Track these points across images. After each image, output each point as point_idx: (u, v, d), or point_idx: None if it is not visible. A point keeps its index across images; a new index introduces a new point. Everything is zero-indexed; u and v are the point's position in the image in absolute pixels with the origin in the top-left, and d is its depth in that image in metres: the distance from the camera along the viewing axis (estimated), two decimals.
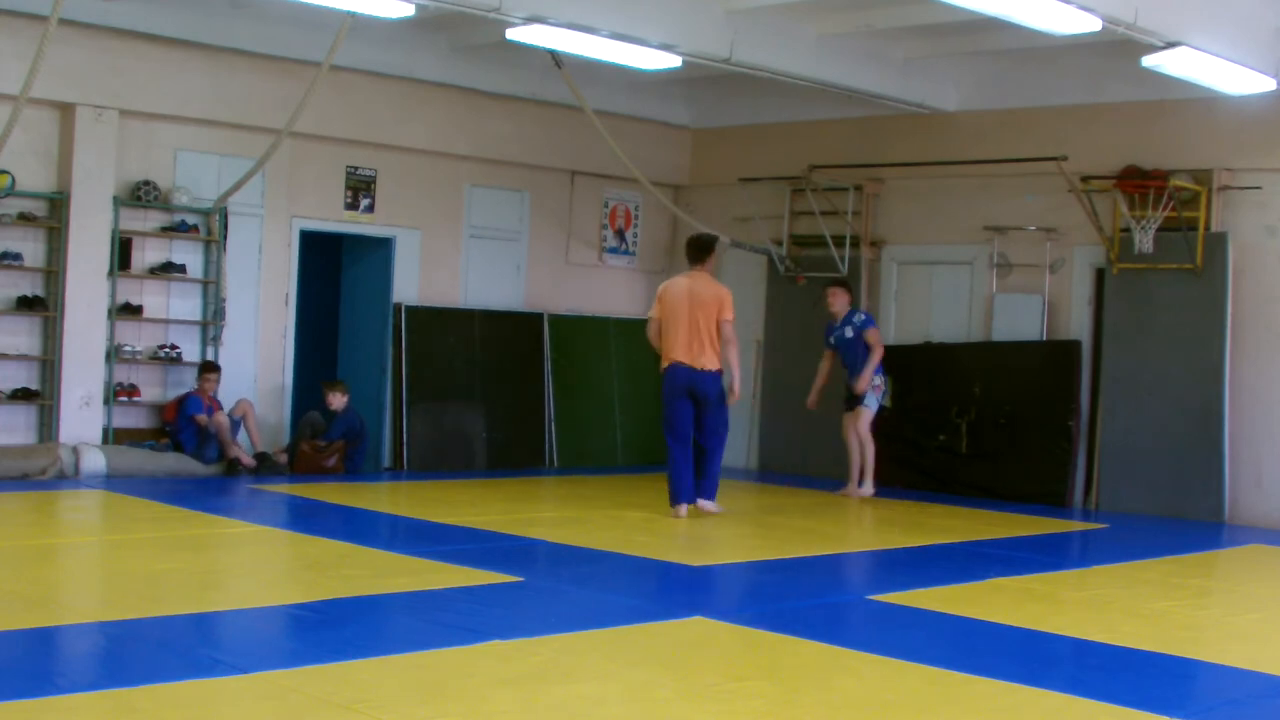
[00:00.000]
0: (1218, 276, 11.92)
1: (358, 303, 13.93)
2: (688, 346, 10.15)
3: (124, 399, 11.88)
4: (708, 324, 10.19)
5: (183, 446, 11.82)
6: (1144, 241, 12.04)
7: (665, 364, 10.30)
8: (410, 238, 13.62)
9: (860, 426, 12.23)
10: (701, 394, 10.24)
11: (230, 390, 12.22)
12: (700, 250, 10.52)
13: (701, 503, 10.50)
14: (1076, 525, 11.55)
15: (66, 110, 11.47)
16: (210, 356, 12.34)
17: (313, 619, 6.38)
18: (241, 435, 12.17)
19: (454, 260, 14.00)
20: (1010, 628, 6.96)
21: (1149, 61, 10.02)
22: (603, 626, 6.50)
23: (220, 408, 11.96)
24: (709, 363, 10.20)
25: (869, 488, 12.25)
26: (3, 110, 9.96)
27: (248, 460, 12.05)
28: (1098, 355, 12.66)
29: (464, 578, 7.53)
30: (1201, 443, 11.93)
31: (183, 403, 11.91)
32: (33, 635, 5.87)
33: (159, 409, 12.18)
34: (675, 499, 10.43)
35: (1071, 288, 12.93)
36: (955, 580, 8.33)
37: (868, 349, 12.14)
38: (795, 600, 7.59)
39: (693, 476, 10.40)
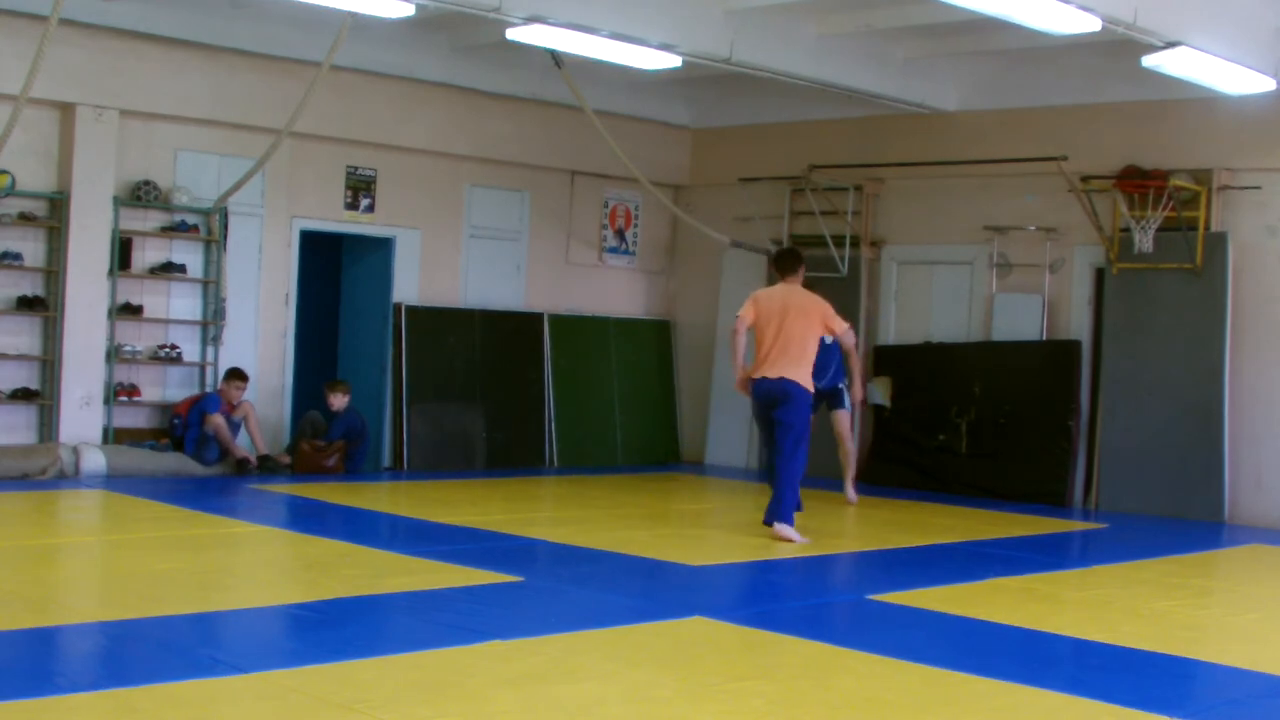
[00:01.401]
0: (1218, 276, 11.92)
1: (358, 303, 13.93)
2: (766, 357, 9.59)
3: (124, 399, 11.88)
4: (801, 334, 9.56)
5: (183, 444, 11.81)
6: (1144, 241, 12.04)
7: (752, 375, 9.72)
8: (410, 238, 13.62)
9: (842, 429, 11.88)
10: (781, 404, 9.56)
11: None
12: (793, 260, 9.96)
13: (777, 527, 9.53)
14: (1076, 525, 11.55)
15: (66, 110, 11.47)
16: (210, 357, 12.34)
17: (313, 619, 6.38)
18: (243, 437, 12.15)
19: (454, 260, 14.00)
20: (1010, 628, 6.96)
21: (1149, 61, 10.02)
22: (603, 626, 6.50)
23: (233, 410, 11.97)
24: (788, 372, 9.52)
25: (852, 493, 11.91)
26: (3, 110, 9.96)
27: (253, 459, 12.05)
28: (1098, 355, 12.67)
29: (464, 578, 7.52)
30: (1201, 443, 11.94)
31: (200, 400, 11.90)
32: (33, 635, 5.87)
33: (159, 409, 12.17)
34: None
35: (1071, 288, 12.93)
36: (955, 580, 8.33)
37: (842, 354, 11.19)
38: (795, 600, 7.60)
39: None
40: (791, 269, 9.88)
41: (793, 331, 9.55)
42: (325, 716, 4.84)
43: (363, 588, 7.14)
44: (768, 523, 9.63)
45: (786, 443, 9.58)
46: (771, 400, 9.61)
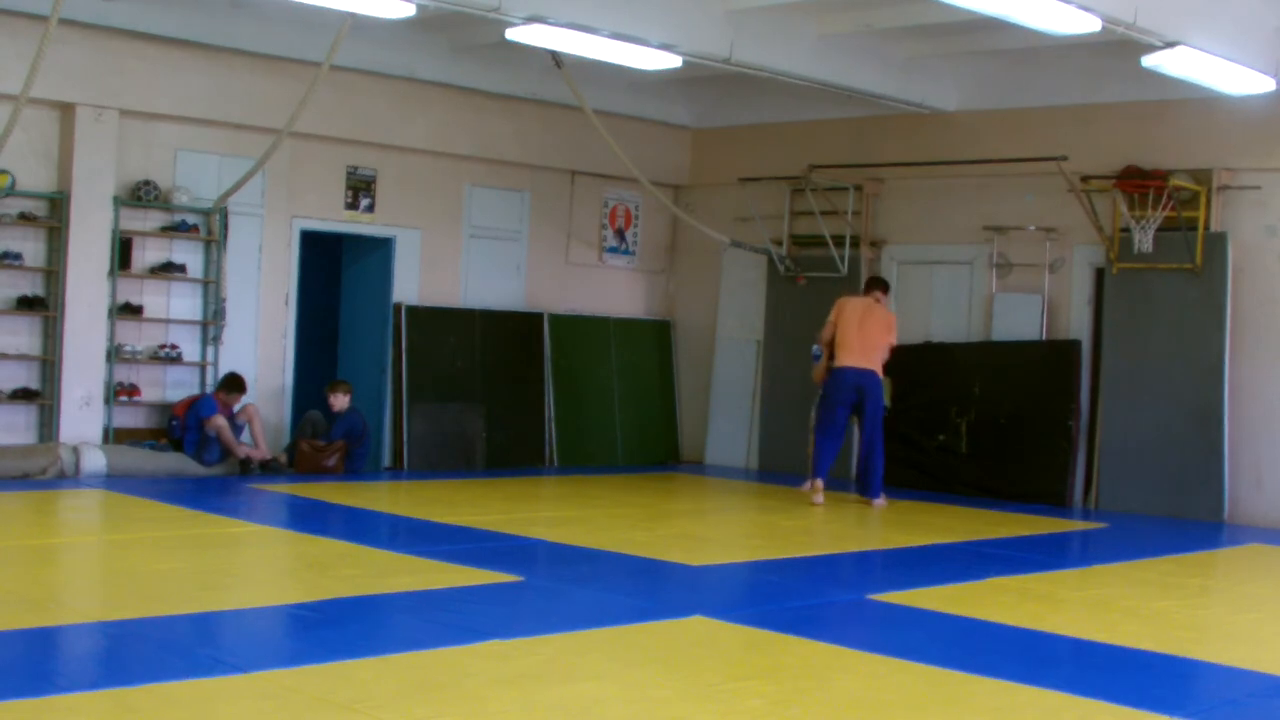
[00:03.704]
0: (1218, 276, 11.92)
1: (358, 303, 13.93)
2: (858, 351, 11.67)
3: (124, 399, 11.88)
4: (876, 338, 11.76)
5: (183, 446, 11.81)
6: (1144, 241, 12.04)
7: (835, 365, 11.76)
8: (410, 238, 13.62)
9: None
10: (869, 391, 11.70)
11: None
12: (877, 285, 12.30)
13: (875, 502, 11.73)
14: (1076, 525, 11.55)
15: (66, 110, 11.47)
16: (210, 357, 12.34)
17: (313, 619, 6.38)
18: (245, 439, 12.13)
19: (454, 260, 14.00)
20: (1010, 628, 6.97)
21: (1149, 61, 10.02)
22: (603, 626, 6.50)
23: (231, 413, 11.95)
24: (872, 365, 11.73)
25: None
26: (3, 110, 9.97)
27: (256, 454, 12.04)
28: (1098, 355, 12.67)
29: (464, 578, 7.53)
30: (1201, 443, 11.93)
31: (196, 403, 11.87)
32: (33, 635, 5.87)
33: (159, 409, 12.17)
34: (813, 473, 11.77)
35: (1071, 288, 12.93)
36: (955, 580, 8.33)
37: None
38: (795, 600, 7.60)
39: (831, 461, 11.80)
40: (875, 288, 12.20)
41: (871, 333, 11.72)
42: (325, 716, 4.84)
43: (363, 588, 7.15)
44: (823, 475, 11.70)
45: (879, 424, 11.77)
46: (859, 386, 11.67)
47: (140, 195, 11.82)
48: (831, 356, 12.00)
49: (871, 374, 11.73)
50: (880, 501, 11.72)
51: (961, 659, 6.11)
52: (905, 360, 13.49)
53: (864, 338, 11.71)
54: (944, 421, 13.27)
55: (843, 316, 11.81)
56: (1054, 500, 12.50)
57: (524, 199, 14.53)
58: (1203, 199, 11.90)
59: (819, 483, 11.71)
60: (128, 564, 7.80)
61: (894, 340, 11.94)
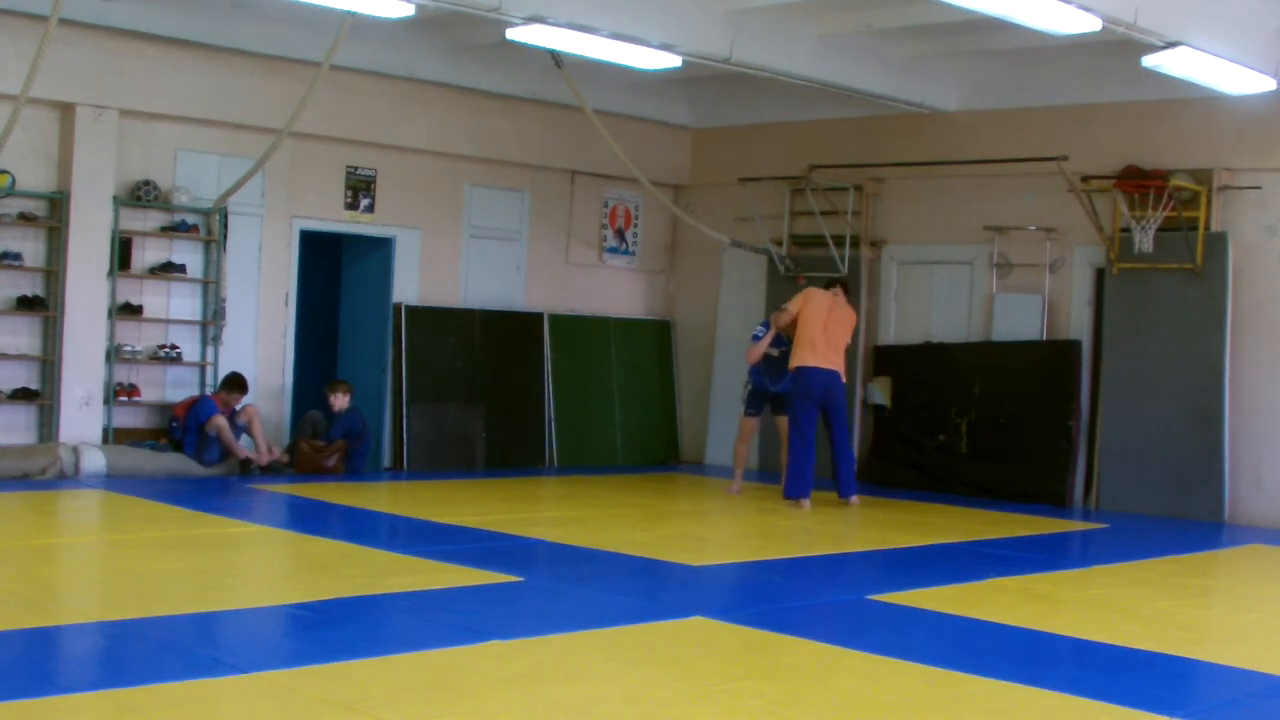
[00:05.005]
0: (1218, 276, 11.92)
1: (358, 303, 13.93)
2: (824, 351, 11.51)
3: (124, 399, 11.87)
4: (840, 337, 11.67)
5: (183, 446, 11.80)
6: (1144, 241, 12.04)
7: (799, 364, 11.55)
8: (410, 238, 13.62)
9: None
10: (835, 393, 11.58)
11: None
12: (840, 283, 12.15)
13: (851, 500, 11.70)
14: (1076, 525, 11.55)
15: (66, 110, 11.47)
16: (210, 357, 12.34)
17: (313, 619, 6.38)
18: (245, 440, 12.13)
19: (454, 260, 14.00)
20: (1010, 628, 6.97)
21: (1149, 61, 10.02)
22: (603, 626, 6.50)
23: (232, 414, 11.95)
24: (837, 366, 11.60)
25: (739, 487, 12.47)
26: (3, 110, 9.96)
27: (257, 457, 12.04)
28: (1098, 355, 12.67)
29: (464, 578, 7.53)
30: (1201, 443, 11.93)
31: (195, 405, 11.87)
32: (33, 635, 5.87)
33: (159, 409, 12.17)
34: (795, 493, 11.53)
35: (1071, 288, 12.93)
36: (955, 580, 8.33)
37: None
38: (795, 600, 7.60)
39: (813, 472, 11.59)
40: (843, 286, 12.09)
41: (835, 332, 11.61)
42: (325, 716, 4.84)
43: (363, 588, 7.14)
44: (806, 494, 11.50)
45: (845, 428, 11.79)
46: (826, 387, 11.53)
47: (140, 195, 11.82)
48: (775, 344, 12.00)
49: (836, 375, 11.61)
50: (855, 500, 11.72)
51: (961, 659, 6.11)
52: (905, 360, 13.51)
53: (829, 337, 11.59)
54: (944, 421, 13.27)
55: (808, 311, 11.64)
56: (1054, 500, 12.50)
57: (524, 199, 14.53)
58: (1203, 199, 11.90)
59: (806, 502, 11.50)
60: (128, 564, 7.80)
61: (849, 341, 11.91)
